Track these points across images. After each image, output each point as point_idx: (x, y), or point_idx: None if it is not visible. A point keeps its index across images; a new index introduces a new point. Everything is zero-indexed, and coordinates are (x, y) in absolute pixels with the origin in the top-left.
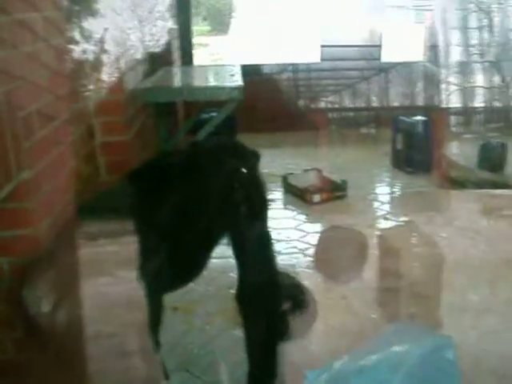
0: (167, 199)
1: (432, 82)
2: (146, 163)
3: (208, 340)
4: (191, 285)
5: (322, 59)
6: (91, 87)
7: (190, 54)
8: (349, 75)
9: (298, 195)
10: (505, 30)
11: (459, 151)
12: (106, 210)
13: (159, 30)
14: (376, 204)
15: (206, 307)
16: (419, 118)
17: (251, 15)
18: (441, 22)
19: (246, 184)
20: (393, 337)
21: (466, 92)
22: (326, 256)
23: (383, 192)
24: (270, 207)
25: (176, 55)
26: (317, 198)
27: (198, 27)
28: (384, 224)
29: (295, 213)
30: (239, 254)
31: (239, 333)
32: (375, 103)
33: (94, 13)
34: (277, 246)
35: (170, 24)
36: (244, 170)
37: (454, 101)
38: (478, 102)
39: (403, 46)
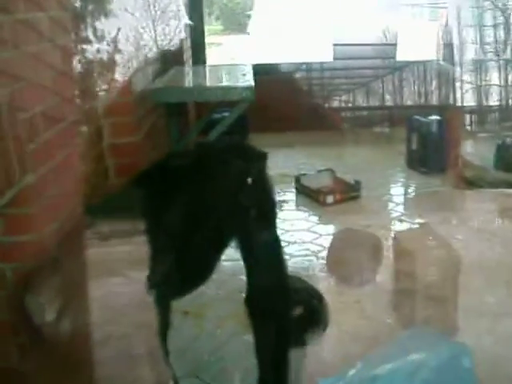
0: (173, 202)
1: (446, 80)
2: (151, 166)
3: (218, 345)
4: (202, 288)
5: (335, 58)
6: (100, 87)
7: (203, 53)
8: (362, 74)
9: (310, 196)
10: None
11: (474, 150)
12: (118, 209)
13: (172, 30)
14: (390, 205)
15: (217, 311)
16: (434, 117)
17: (264, 14)
18: (455, 20)
19: (252, 186)
20: (408, 343)
21: (481, 90)
22: (339, 259)
23: (398, 193)
24: (278, 209)
25: (188, 54)
26: (330, 199)
27: (211, 26)
28: (398, 225)
29: (308, 214)
30: (247, 256)
31: (250, 338)
32: (389, 102)
33: (107, 12)
34: (289, 249)
35: (183, 23)
36: (251, 172)
37: (469, 99)
38: (494, 101)
39: (417, 45)
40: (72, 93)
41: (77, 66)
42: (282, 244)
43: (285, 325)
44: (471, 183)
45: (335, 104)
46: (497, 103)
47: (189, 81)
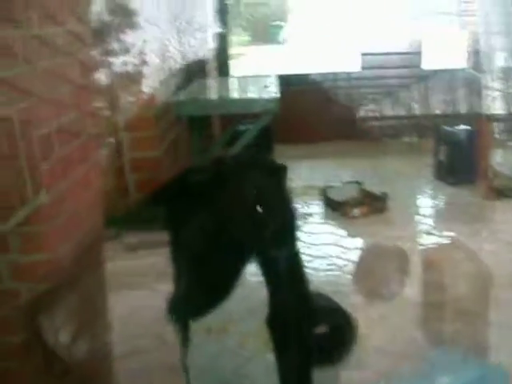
0: (191, 218)
1: (475, 88)
2: (169, 182)
3: (241, 363)
4: (225, 303)
5: (363, 68)
6: (122, 101)
7: (226, 64)
8: (390, 83)
9: (337, 209)
10: None
11: (504, 160)
12: (143, 220)
13: (197, 41)
14: (418, 217)
15: (240, 327)
16: (463, 127)
17: (291, 25)
18: (484, 28)
19: (271, 200)
20: (436, 364)
21: (510, 98)
22: (366, 273)
23: (425, 204)
24: (303, 222)
25: (212, 66)
26: (356, 211)
27: (238, 37)
28: (426, 238)
29: (334, 227)
30: (266, 272)
31: (272, 356)
32: (417, 111)
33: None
34: (315, 263)
35: (211, 33)
36: (269, 186)
37: (498, 107)
38: None
39: (446, 53)
40: (91, 107)
41: (101, 78)
42: (308, 258)
43: (307, 344)
44: (501, 193)
45: (363, 114)
46: None
47: (212, 93)
